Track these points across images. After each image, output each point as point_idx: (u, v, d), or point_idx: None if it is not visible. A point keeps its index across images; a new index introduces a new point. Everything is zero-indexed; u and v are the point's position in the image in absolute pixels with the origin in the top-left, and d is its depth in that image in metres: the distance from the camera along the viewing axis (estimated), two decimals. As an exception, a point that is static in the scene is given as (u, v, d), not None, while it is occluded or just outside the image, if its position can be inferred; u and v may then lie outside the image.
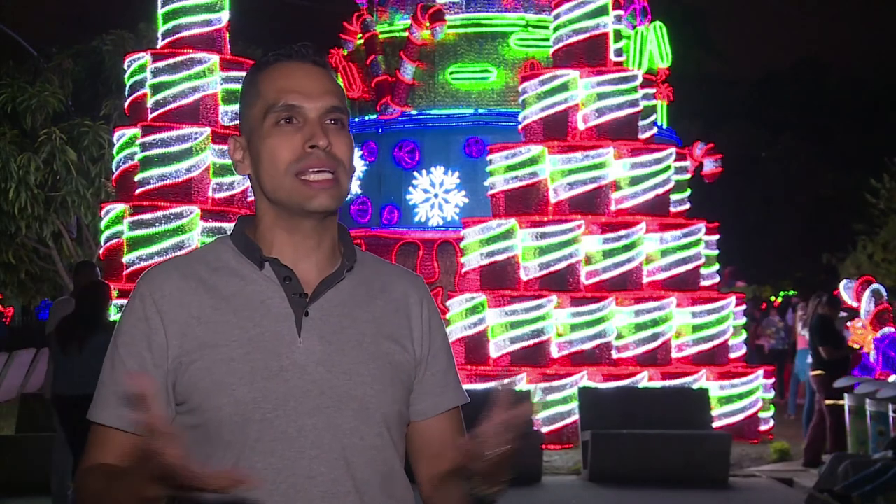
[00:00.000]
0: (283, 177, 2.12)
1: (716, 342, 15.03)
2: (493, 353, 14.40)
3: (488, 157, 15.55)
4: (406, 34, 18.94)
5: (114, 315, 10.30)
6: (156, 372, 2.11)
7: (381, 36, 19.65)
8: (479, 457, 1.99)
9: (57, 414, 8.84)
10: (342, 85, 2.25)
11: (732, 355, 15.42)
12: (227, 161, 14.50)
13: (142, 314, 2.13)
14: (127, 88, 15.58)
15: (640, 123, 15.69)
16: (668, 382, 14.25)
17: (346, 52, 19.96)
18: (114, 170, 15.57)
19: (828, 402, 12.78)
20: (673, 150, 15.91)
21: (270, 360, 2.09)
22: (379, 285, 2.24)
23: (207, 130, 14.48)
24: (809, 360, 14.96)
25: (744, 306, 16.28)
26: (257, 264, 2.16)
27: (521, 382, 13.76)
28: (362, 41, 19.77)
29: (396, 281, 2.27)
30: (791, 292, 29.49)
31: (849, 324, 19.19)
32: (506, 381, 13.78)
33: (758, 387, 14.78)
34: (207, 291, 2.14)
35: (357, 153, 19.02)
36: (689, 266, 15.32)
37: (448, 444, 2.25)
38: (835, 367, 12.86)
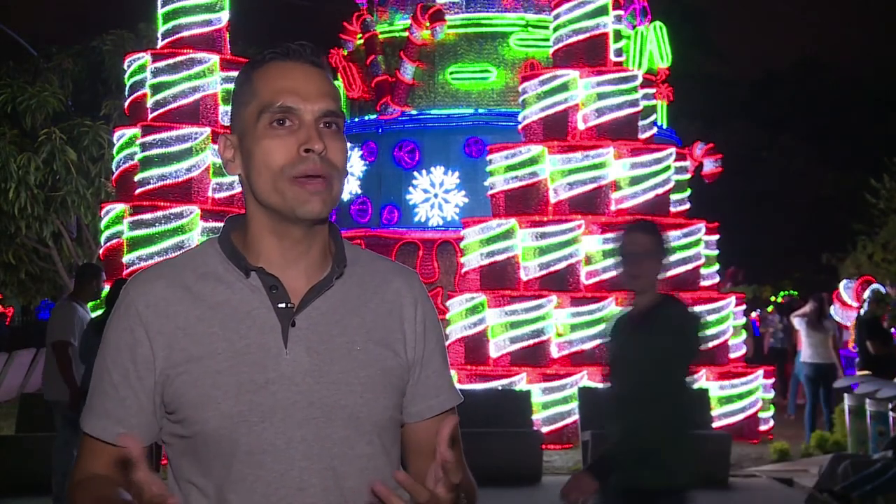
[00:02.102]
0: (275, 180, 2.08)
1: (716, 342, 15.02)
2: (493, 353, 14.40)
3: (488, 157, 15.55)
4: (406, 34, 18.94)
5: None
6: (139, 384, 2.10)
7: (381, 36, 19.65)
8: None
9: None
10: (340, 86, 2.23)
11: (732, 355, 15.42)
12: (227, 161, 14.49)
13: (126, 325, 2.12)
14: (127, 88, 15.57)
15: (640, 123, 15.69)
16: (668, 382, 14.22)
17: (346, 52, 19.95)
18: (114, 170, 15.56)
19: None
20: (673, 150, 15.91)
21: (256, 372, 2.06)
22: (372, 286, 2.20)
23: (207, 130, 14.48)
24: (803, 359, 14.97)
25: (744, 306, 16.28)
26: (243, 272, 2.13)
27: (521, 382, 13.76)
28: (362, 41, 19.77)
29: (390, 280, 2.23)
30: (792, 292, 29.47)
31: (848, 323, 19.21)
32: (506, 381, 13.78)
33: (758, 387, 14.79)
34: (193, 301, 2.11)
35: (357, 153, 19.04)
36: (689, 266, 15.32)
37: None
38: (881, 367, 12.81)
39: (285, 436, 2.06)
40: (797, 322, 15.98)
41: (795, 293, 28.24)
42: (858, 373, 13.43)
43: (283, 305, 2.11)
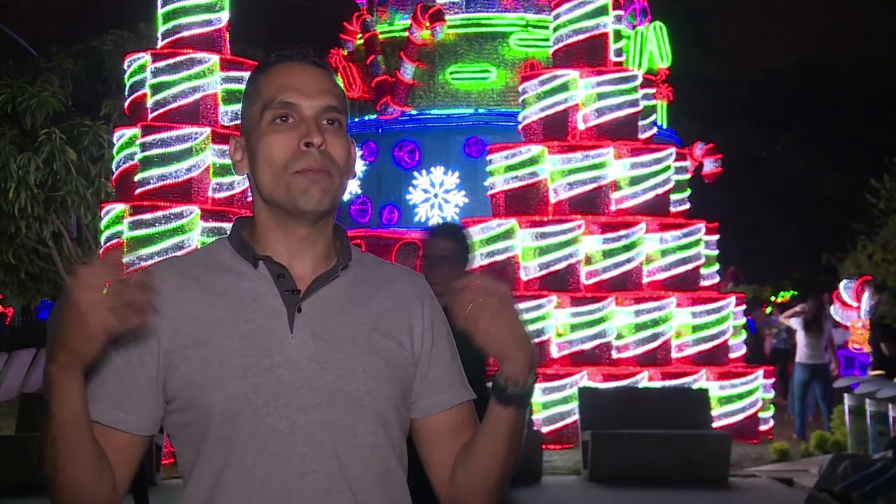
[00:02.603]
0: (277, 175, 2.12)
1: (716, 342, 15.03)
2: (493, 353, 14.37)
3: (488, 157, 15.55)
4: (406, 34, 18.95)
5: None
6: (141, 369, 2.10)
7: (381, 36, 19.65)
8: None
9: None
10: (342, 88, 2.25)
11: (732, 355, 15.42)
12: (227, 161, 14.47)
13: None
14: (127, 88, 15.56)
15: (640, 123, 15.69)
16: (668, 382, 14.25)
17: (346, 52, 19.96)
18: (114, 170, 15.55)
19: None
20: (673, 150, 15.91)
21: (262, 356, 2.08)
22: (376, 283, 2.23)
23: (207, 130, 14.47)
24: (798, 359, 14.94)
25: (744, 306, 16.29)
26: (252, 263, 2.16)
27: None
28: (362, 41, 19.77)
29: (396, 280, 2.26)
30: (792, 292, 29.48)
31: (848, 323, 19.23)
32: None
33: (758, 387, 14.78)
34: (201, 289, 2.14)
35: (357, 153, 19.04)
36: (689, 266, 15.32)
37: (459, 436, 2.25)
38: (895, 368, 12.83)
39: (289, 420, 2.07)
40: (794, 322, 16.01)
41: (795, 293, 28.24)
42: (871, 372, 13.43)
43: (289, 291, 2.14)
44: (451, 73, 18.99)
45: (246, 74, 14.86)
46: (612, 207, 15.13)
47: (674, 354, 14.91)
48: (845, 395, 12.45)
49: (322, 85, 2.17)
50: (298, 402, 2.07)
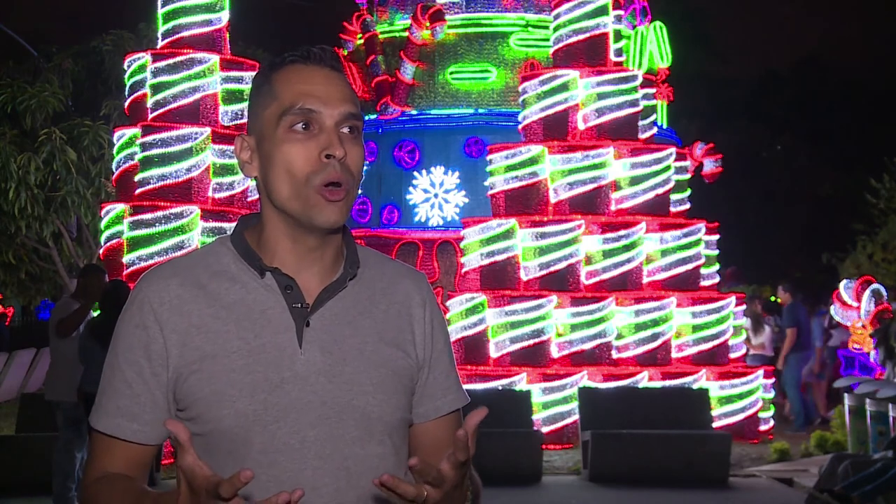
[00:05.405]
0: (296, 186, 2.08)
1: (716, 342, 15.03)
2: (493, 353, 14.41)
3: (488, 157, 15.55)
4: (406, 34, 18.95)
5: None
6: (154, 380, 2.10)
7: (381, 36, 19.65)
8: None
9: (84, 412, 8.83)
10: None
11: (732, 355, 15.43)
12: (228, 161, 14.48)
13: (140, 321, 2.11)
14: (127, 88, 15.56)
15: (640, 123, 15.69)
16: (668, 382, 14.26)
17: (346, 52, 19.95)
18: (114, 170, 15.55)
19: None
20: (673, 150, 15.91)
21: (271, 372, 2.07)
22: (381, 288, 2.22)
23: (207, 130, 14.47)
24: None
25: (744, 306, 16.30)
26: (258, 272, 2.13)
27: (521, 382, 13.76)
28: (362, 41, 19.77)
29: (399, 282, 2.25)
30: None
31: (848, 323, 19.27)
32: (506, 381, 13.79)
33: (758, 387, 14.79)
34: (207, 299, 2.11)
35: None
36: (689, 266, 15.32)
37: (444, 446, 2.24)
38: None
39: (299, 435, 2.07)
40: (746, 322, 16.37)
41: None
42: None
43: (297, 305, 2.12)
44: (451, 73, 18.99)
45: (246, 74, 14.85)
46: (612, 207, 15.14)
47: (674, 354, 14.92)
48: (845, 395, 12.45)
49: (342, 91, 2.12)
50: (308, 417, 2.07)
